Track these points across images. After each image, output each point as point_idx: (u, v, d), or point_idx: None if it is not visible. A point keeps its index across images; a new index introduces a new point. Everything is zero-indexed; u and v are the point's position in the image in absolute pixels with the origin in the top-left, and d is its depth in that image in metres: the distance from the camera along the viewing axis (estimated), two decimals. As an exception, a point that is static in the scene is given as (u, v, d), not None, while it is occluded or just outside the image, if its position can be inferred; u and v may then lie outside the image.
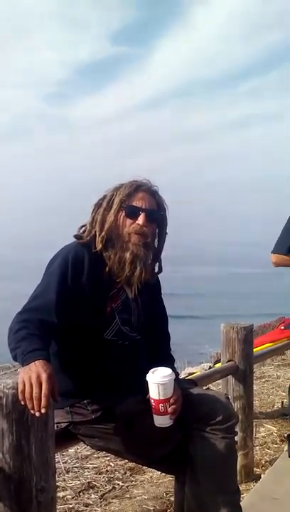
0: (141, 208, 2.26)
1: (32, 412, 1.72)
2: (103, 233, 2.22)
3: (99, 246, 2.22)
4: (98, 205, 2.31)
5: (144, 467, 3.61)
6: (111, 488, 3.50)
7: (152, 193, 2.33)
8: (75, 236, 2.29)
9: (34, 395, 1.72)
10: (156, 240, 2.37)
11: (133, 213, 2.26)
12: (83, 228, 2.32)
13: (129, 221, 2.25)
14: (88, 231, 2.27)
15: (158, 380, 2.07)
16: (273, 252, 3.66)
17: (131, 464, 3.72)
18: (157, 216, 2.33)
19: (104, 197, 2.31)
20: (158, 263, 2.40)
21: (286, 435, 4.10)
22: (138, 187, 2.30)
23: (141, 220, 2.25)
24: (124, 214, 2.26)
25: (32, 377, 1.77)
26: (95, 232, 2.24)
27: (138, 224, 2.24)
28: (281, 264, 3.66)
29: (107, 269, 2.22)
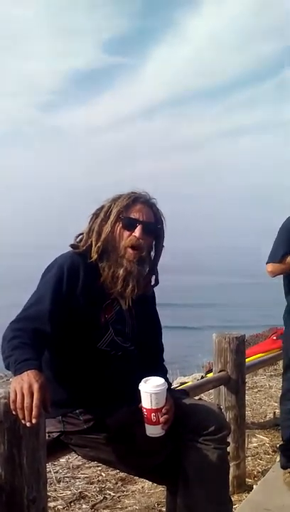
0: (139, 220, 2.26)
1: (23, 422, 1.71)
2: (99, 243, 2.23)
3: (94, 256, 2.22)
4: (96, 215, 2.31)
5: (136, 477, 3.60)
6: (102, 498, 3.49)
7: (150, 206, 2.33)
8: (71, 245, 2.29)
9: (25, 405, 1.72)
10: (153, 253, 2.38)
11: (130, 225, 2.26)
12: (80, 237, 2.32)
13: (126, 233, 2.25)
14: (84, 240, 2.28)
15: (150, 389, 2.07)
16: (268, 262, 3.68)
17: (122, 474, 3.71)
18: (154, 229, 2.33)
19: (102, 207, 2.31)
20: (154, 276, 2.40)
21: (278, 446, 4.09)
22: (136, 199, 2.30)
23: (137, 232, 2.25)
24: (121, 225, 2.26)
25: (24, 387, 1.76)
26: (91, 241, 2.24)
27: (135, 236, 2.24)
28: (277, 272, 3.66)
29: (102, 279, 2.23)
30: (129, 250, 2.24)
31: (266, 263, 3.69)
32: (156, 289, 2.49)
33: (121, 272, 2.21)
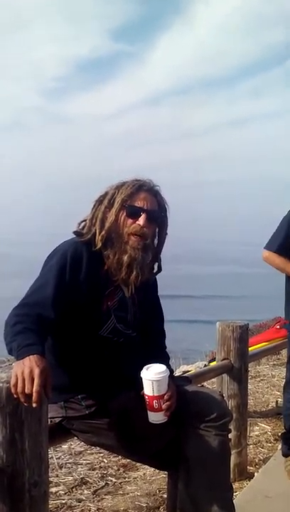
0: (143, 208, 2.26)
1: (25, 405, 1.72)
2: (103, 232, 2.22)
3: (98, 244, 2.21)
4: (99, 201, 2.30)
5: (137, 464, 3.62)
6: (104, 484, 3.51)
7: (154, 193, 2.33)
8: (75, 232, 2.29)
9: (26, 390, 1.72)
10: (156, 240, 2.38)
11: (134, 213, 2.25)
12: (83, 223, 2.31)
13: (129, 221, 2.25)
14: (88, 227, 2.27)
15: (152, 376, 2.07)
16: (264, 247, 3.69)
17: (124, 461, 3.73)
18: (158, 217, 2.33)
19: (106, 194, 2.30)
20: (157, 263, 2.41)
21: (280, 434, 4.10)
22: (140, 187, 2.29)
23: (141, 220, 2.24)
24: (125, 214, 2.25)
25: (25, 371, 1.76)
26: (95, 230, 2.24)
27: (139, 224, 2.24)
28: (270, 261, 3.66)
29: (106, 267, 2.23)
30: (133, 237, 2.24)
31: (263, 248, 3.69)
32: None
33: (125, 258, 2.21)
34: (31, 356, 1.82)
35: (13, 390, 1.73)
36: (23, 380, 1.74)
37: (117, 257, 2.21)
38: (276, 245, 3.61)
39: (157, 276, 2.49)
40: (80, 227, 2.31)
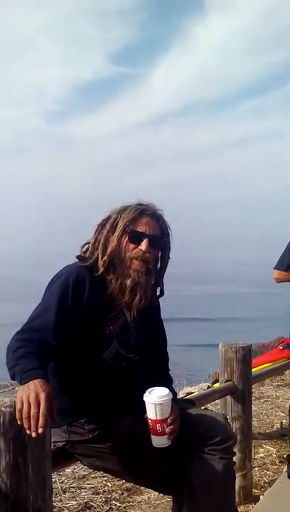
0: (145, 233, 2.26)
1: (28, 432, 1.71)
2: (105, 257, 2.23)
3: (100, 269, 2.22)
4: (101, 225, 2.31)
5: (142, 488, 3.59)
6: (108, 508, 3.47)
7: (156, 218, 2.33)
8: (77, 257, 2.30)
9: (32, 414, 1.72)
10: (158, 264, 2.38)
11: (136, 238, 2.26)
12: (86, 247, 2.32)
13: (131, 246, 2.25)
14: (90, 252, 2.28)
15: (155, 400, 2.07)
16: (274, 268, 3.81)
17: (128, 485, 3.70)
18: (160, 242, 2.33)
19: (108, 218, 2.31)
20: (159, 287, 2.41)
21: (285, 456, 4.07)
22: (142, 211, 2.30)
23: (144, 245, 2.25)
24: (127, 239, 2.26)
25: (30, 396, 1.76)
26: (98, 254, 2.25)
27: (141, 249, 2.24)
28: (282, 279, 3.81)
29: (108, 292, 2.23)
30: (136, 261, 2.24)
31: (273, 269, 3.81)
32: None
33: (128, 282, 2.21)
34: (36, 380, 1.82)
35: (18, 416, 1.72)
36: (29, 405, 1.73)
37: (120, 282, 2.22)
38: (285, 265, 3.74)
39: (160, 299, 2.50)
40: (83, 250, 2.32)
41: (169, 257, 2.40)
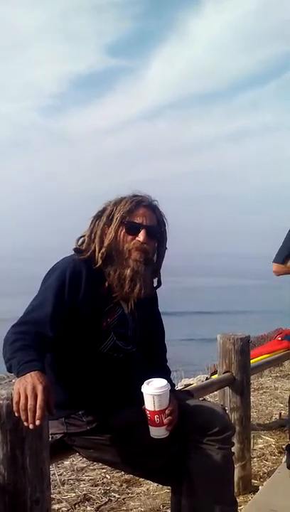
0: (142, 224, 2.26)
1: (25, 424, 1.70)
2: (103, 249, 2.22)
3: (99, 262, 2.21)
4: (97, 217, 2.30)
5: (141, 479, 3.60)
6: (107, 500, 3.48)
7: (152, 209, 2.33)
8: (74, 249, 2.29)
9: (29, 406, 1.71)
10: (156, 255, 2.37)
11: (133, 229, 2.25)
12: (81, 239, 2.31)
13: (129, 237, 2.25)
14: (86, 244, 2.27)
15: (152, 391, 2.06)
16: (273, 261, 3.85)
17: (127, 476, 3.70)
18: (157, 232, 2.33)
19: (104, 210, 2.30)
20: (157, 278, 2.40)
21: (284, 446, 4.07)
22: (138, 203, 2.29)
23: (141, 236, 2.24)
24: (124, 230, 2.25)
25: (27, 388, 1.75)
26: (94, 247, 2.24)
27: (139, 240, 2.24)
28: (281, 272, 3.84)
29: (106, 284, 2.22)
30: (134, 251, 2.24)
31: (272, 262, 3.85)
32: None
33: (128, 272, 2.21)
34: (32, 373, 1.81)
35: (15, 408, 1.72)
36: (26, 396, 1.73)
37: (119, 272, 2.21)
38: (282, 258, 3.76)
39: (157, 292, 2.49)
40: (79, 243, 2.31)
41: (166, 248, 2.39)
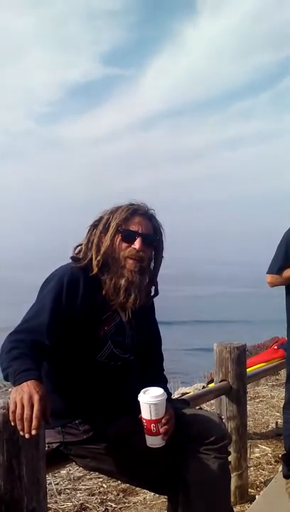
0: (138, 232, 2.26)
1: (22, 433, 1.70)
2: (99, 257, 2.22)
3: (95, 270, 2.21)
4: (94, 226, 2.31)
5: (137, 488, 3.59)
6: (104, 509, 3.46)
7: (149, 217, 2.33)
8: (72, 258, 2.29)
9: (25, 416, 1.71)
10: (152, 264, 2.38)
11: (129, 237, 2.25)
12: (78, 248, 2.32)
13: (125, 245, 2.25)
14: (84, 252, 2.27)
15: (149, 400, 2.06)
16: (267, 272, 3.81)
17: (124, 486, 3.69)
18: (153, 240, 2.33)
19: (101, 219, 2.30)
20: (154, 286, 2.41)
21: (280, 455, 4.07)
22: (134, 211, 2.30)
23: (137, 244, 2.24)
24: (120, 238, 2.26)
25: (24, 397, 1.75)
26: (91, 255, 2.24)
27: (135, 248, 2.24)
28: (276, 283, 3.80)
29: (103, 292, 2.23)
30: (129, 260, 2.24)
31: (266, 273, 3.81)
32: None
33: (122, 282, 2.21)
34: (29, 382, 1.81)
35: (11, 417, 1.72)
36: (22, 406, 1.73)
37: (114, 281, 2.21)
38: (276, 268, 3.73)
39: (154, 301, 2.49)
40: (76, 251, 2.31)
41: (163, 257, 2.40)
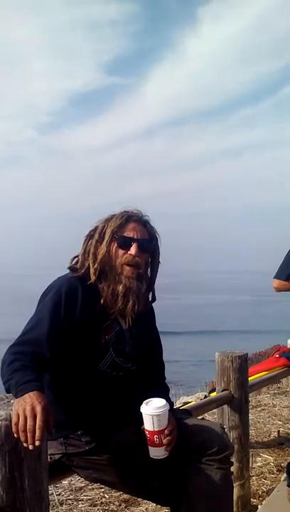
0: (133, 238, 2.28)
1: (25, 445, 1.70)
2: (96, 265, 2.23)
3: (92, 278, 2.22)
4: (89, 236, 2.32)
5: (139, 499, 3.57)
6: (106, 520, 3.45)
7: (143, 223, 2.35)
8: (69, 268, 2.30)
9: (28, 427, 1.71)
10: (149, 270, 2.38)
11: (125, 244, 2.27)
12: (76, 259, 2.32)
13: (121, 251, 2.26)
14: (81, 262, 2.28)
15: (152, 411, 2.06)
16: (274, 277, 3.82)
17: (126, 496, 3.67)
18: (149, 246, 2.34)
19: (96, 228, 2.32)
20: (151, 292, 2.41)
21: (285, 464, 4.04)
22: (129, 217, 2.31)
23: (133, 250, 2.26)
24: (116, 245, 2.27)
25: (26, 409, 1.75)
26: (89, 264, 2.25)
27: (131, 254, 2.25)
28: (282, 289, 3.82)
29: (102, 300, 2.23)
30: (126, 267, 2.25)
31: (273, 278, 3.82)
32: (160, 310, 2.49)
33: (120, 288, 2.21)
34: (31, 393, 1.81)
35: (14, 429, 1.71)
36: (25, 417, 1.73)
37: (112, 288, 2.22)
38: (285, 274, 3.74)
39: (156, 311, 2.50)
40: (73, 262, 2.32)
41: (159, 262, 2.41)
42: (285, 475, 3.75)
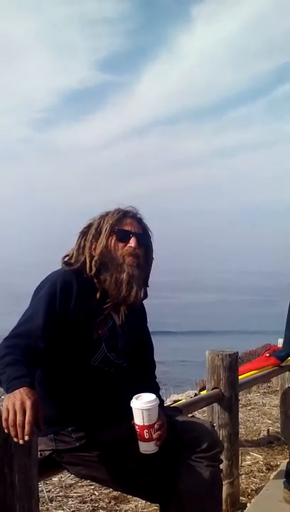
0: (132, 231, 2.31)
1: (15, 439, 1.70)
2: (96, 257, 2.25)
3: (93, 270, 2.23)
4: (84, 233, 2.33)
5: (129, 496, 3.57)
6: (95, 517, 3.45)
7: (138, 220, 2.38)
8: (64, 262, 2.31)
9: (18, 422, 1.71)
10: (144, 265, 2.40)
11: (124, 237, 2.30)
12: (67, 258, 2.33)
13: (120, 244, 2.29)
14: (75, 257, 2.29)
15: (142, 405, 2.07)
16: None
17: (115, 493, 3.68)
18: (146, 240, 2.38)
19: (90, 225, 2.34)
20: (143, 289, 2.42)
21: (286, 467, 3.94)
22: (125, 213, 2.36)
23: (132, 242, 2.29)
24: (115, 238, 2.29)
25: (16, 404, 1.76)
26: (85, 258, 2.26)
27: (131, 246, 2.28)
28: None
29: (98, 295, 2.24)
30: (128, 257, 2.27)
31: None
32: (152, 309, 2.50)
33: (124, 276, 2.23)
34: (21, 389, 1.82)
35: (4, 424, 1.72)
36: (15, 412, 1.73)
37: (115, 277, 2.23)
38: None
39: (147, 310, 2.51)
40: (66, 259, 2.33)
41: (153, 258, 2.44)
42: (274, 473, 3.77)
